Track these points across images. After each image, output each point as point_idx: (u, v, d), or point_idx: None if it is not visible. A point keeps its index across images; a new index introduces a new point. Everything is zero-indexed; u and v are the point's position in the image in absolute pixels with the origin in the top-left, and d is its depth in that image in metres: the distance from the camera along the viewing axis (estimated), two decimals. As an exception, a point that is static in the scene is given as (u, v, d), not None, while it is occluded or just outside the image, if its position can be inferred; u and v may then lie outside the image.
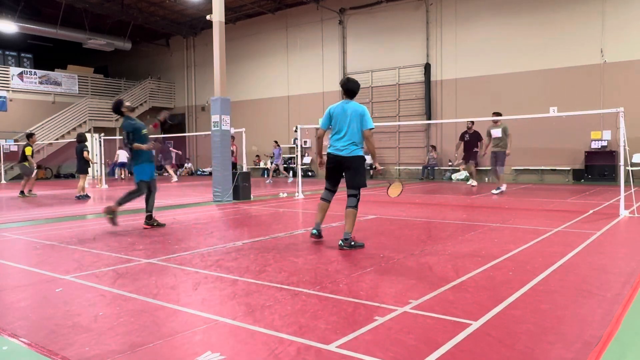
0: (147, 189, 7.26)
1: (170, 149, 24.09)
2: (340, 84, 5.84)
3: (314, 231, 5.95)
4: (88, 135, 18.47)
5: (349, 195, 5.61)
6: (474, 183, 14.60)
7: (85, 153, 12.34)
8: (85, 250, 5.62)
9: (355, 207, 5.56)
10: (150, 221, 7.30)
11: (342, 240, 5.45)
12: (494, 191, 12.12)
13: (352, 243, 5.42)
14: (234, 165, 14.13)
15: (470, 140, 13.79)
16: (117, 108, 7.33)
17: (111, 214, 7.01)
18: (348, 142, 5.59)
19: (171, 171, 21.80)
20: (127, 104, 7.49)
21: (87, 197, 12.20)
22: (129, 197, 7.13)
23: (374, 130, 5.97)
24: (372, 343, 2.73)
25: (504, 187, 12.17)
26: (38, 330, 3.03)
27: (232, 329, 3.02)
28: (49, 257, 5.27)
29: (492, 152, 11.96)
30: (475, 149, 13.77)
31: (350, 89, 5.74)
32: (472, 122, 13.67)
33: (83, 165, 12.39)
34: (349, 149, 5.58)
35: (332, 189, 5.92)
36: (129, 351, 2.67)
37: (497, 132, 11.82)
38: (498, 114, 11.71)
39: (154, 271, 4.53)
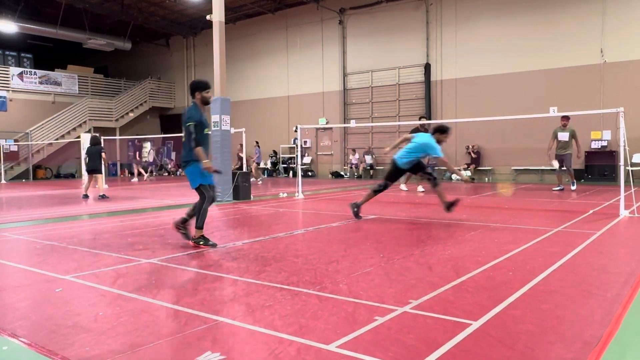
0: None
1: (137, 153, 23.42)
2: None
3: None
4: (87, 136, 18.45)
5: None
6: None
7: (103, 154, 12.88)
8: (85, 250, 5.62)
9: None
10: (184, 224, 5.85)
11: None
12: (555, 188, 12.43)
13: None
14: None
15: None
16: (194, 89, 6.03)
17: (201, 239, 5.73)
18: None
19: (136, 170, 21.94)
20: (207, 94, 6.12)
21: (105, 197, 12.26)
22: (203, 211, 5.83)
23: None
24: (372, 343, 2.73)
25: (566, 186, 12.37)
26: (38, 330, 3.03)
27: (232, 329, 3.02)
28: (49, 257, 5.27)
29: (558, 155, 12.15)
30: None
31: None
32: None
33: (98, 166, 12.73)
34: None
35: None
36: (129, 351, 2.67)
37: (564, 136, 12.00)
38: (567, 118, 11.97)
39: (154, 271, 4.53)
